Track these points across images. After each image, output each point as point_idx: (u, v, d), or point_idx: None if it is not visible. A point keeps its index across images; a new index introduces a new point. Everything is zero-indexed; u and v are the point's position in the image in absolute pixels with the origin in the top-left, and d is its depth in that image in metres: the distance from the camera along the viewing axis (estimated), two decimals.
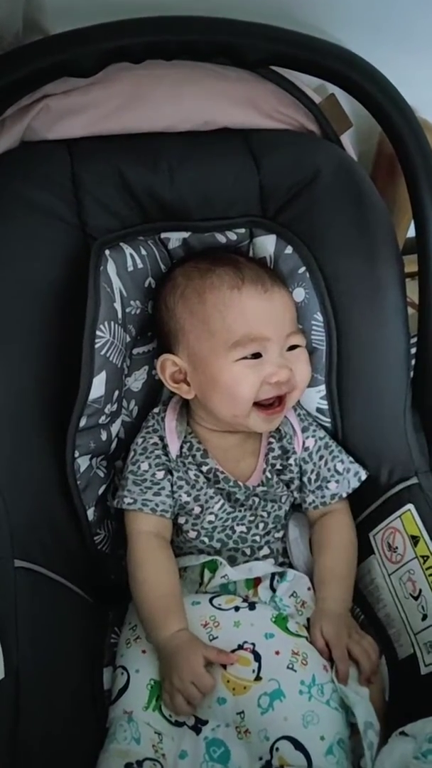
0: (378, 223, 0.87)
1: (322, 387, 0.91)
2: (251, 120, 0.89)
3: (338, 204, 0.87)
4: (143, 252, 0.87)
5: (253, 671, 0.72)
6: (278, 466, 0.88)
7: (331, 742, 0.68)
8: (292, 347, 0.84)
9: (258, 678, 0.71)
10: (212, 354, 0.80)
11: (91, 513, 0.84)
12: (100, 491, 0.86)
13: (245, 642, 0.74)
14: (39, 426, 0.80)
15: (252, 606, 0.78)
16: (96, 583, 0.87)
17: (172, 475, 0.85)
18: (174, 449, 0.85)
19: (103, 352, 0.81)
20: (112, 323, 0.83)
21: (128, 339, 0.88)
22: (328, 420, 0.92)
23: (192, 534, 0.86)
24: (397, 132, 0.78)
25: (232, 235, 0.90)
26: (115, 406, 0.86)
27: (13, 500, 0.75)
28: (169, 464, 0.85)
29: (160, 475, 0.84)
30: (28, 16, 0.80)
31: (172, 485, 0.84)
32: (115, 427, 0.88)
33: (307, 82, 0.90)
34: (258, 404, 0.81)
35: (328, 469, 0.88)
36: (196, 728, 0.72)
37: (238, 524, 0.86)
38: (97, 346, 0.80)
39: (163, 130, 0.86)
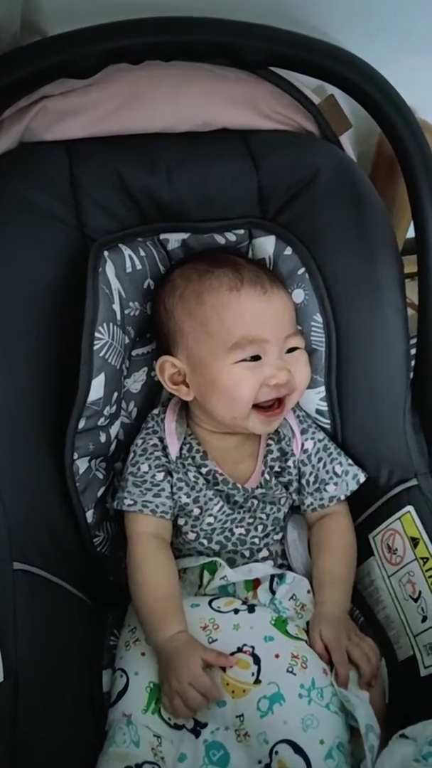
0: (377, 223, 0.87)
1: (322, 388, 0.91)
2: (250, 121, 0.89)
3: (337, 205, 0.87)
4: (142, 253, 0.87)
5: (253, 674, 0.72)
6: (277, 468, 0.88)
7: (331, 746, 0.67)
8: (292, 349, 0.83)
9: (257, 681, 0.71)
10: (211, 356, 0.80)
11: (90, 515, 0.84)
12: (99, 493, 0.86)
13: (244, 645, 0.74)
14: (38, 428, 0.80)
15: (251, 609, 0.78)
16: (95, 585, 0.87)
17: (171, 476, 0.84)
18: (174, 451, 0.85)
19: (101, 354, 0.81)
20: (111, 325, 0.82)
21: (127, 340, 0.88)
22: (328, 421, 0.92)
23: (191, 536, 0.86)
24: (396, 133, 0.78)
25: (231, 236, 0.89)
26: (114, 407, 0.86)
27: (11, 502, 0.74)
28: (168, 466, 0.85)
29: (159, 476, 0.84)
30: (26, 17, 0.80)
31: (171, 486, 0.84)
32: (114, 429, 0.88)
33: (306, 83, 0.89)
34: (257, 406, 0.81)
35: (327, 472, 0.88)
36: (196, 731, 0.72)
37: (237, 526, 0.86)
38: (95, 347, 0.80)
39: (161, 131, 0.86)
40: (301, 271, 0.89)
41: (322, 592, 0.82)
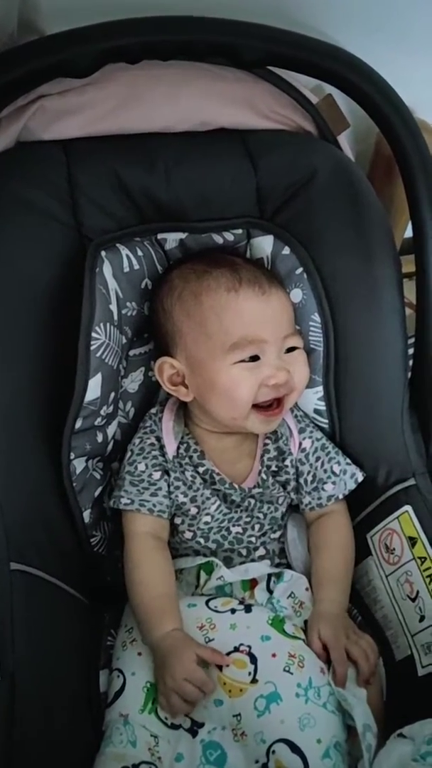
0: (375, 223, 0.87)
1: (320, 388, 0.91)
2: (248, 120, 0.89)
3: (335, 204, 0.87)
4: (139, 253, 0.87)
5: (249, 674, 0.72)
6: (274, 468, 0.88)
7: (328, 745, 0.67)
8: (290, 349, 0.83)
9: (254, 680, 0.71)
10: (210, 357, 0.80)
11: (87, 515, 0.84)
12: (97, 493, 0.86)
13: (241, 644, 0.74)
14: (35, 428, 0.79)
15: (248, 608, 0.78)
16: (92, 584, 0.87)
17: (168, 475, 0.84)
18: (171, 450, 0.85)
19: (98, 354, 0.81)
20: (108, 325, 0.82)
21: (124, 340, 0.88)
22: (326, 421, 0.92)
23: (188, 535, 0.86)
24: (394, 132, 0.77)
25: (229, 236, 0.89)
26: (111, 407, 0.86)
27: (8, 502, 0.74)
28: (165, 465, 0.85)
29: (156, 475, 0.84)
30: (24, 16, 0.80)
31: (168, 486, 0.84)
32: (112, 429, 0.88)
33: (304, 83, 0.89)
34: (256, 406, 0.81)
35: (325, 471, 0.88)
36: (193, 731, 0.72)
37: (234, 525, 0.86)
38: (92, 348, 0.80)
39: (159, 131, 0.86)
40: (299, 270, 0.89)
41: (321, 590, 0.82)
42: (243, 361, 0.80)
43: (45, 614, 0.74)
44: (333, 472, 0.88)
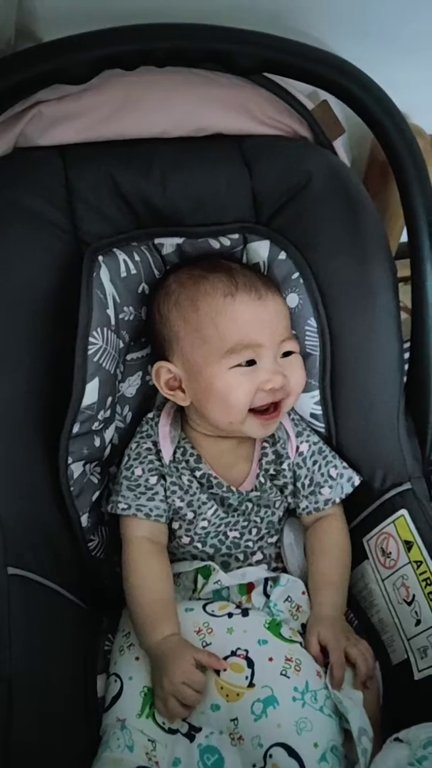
0: (370, 228, 0.88)
1: (316, 392, 0.91)
2: (244, 126, 0.89)
3: (331, 210, 0.87)
4: (137, 258, 0.87)
5: (247, 678, 0.72)
6: (271, 471, 0.88)
7: (325, 749, 0.67)
8: (287, 354, 0.84)
9: (251, 685, 0.71)
10: (206, 361, 0.80)
11: (84, 519, 0.84)
12: (94, 497, 0.86)
13: (238, 648, 0.74)
14: (32, 432, 0.80)
15: (245, 612, 0.78)
16: (90, 589, 0.87)
17: (165, 480, 0.85)
18: (167, 454, 0.85)
19: (96, 359, 0.81)
20: (105, 329, 0.83)
21: (121, 345, 0.88)
22: (322, 425, 0.92)
23: (185, 539, 0.86)
24: (388, 138, 0.78)
25: (225, 241, 0.90)
26: (109, 412, 0.86)
27: (6, 506, 0.74)
28: (162, 469, 0.85)
29: (153, 480, 0.84)
30: (21, 23, 0.80)
31: (165, 490, 0.84)
32: (109, 433, 0.88)
33: (299, 89, 0.90)
34: (253, 410, 0.81)
35: (322, 474, 0.88)
36: (190, 735, 0.72)
37: (231, 530, 0.86)
38: (89, 352, 0.80)
39: (155, 136, 0.86)
40: (295, 275, 0.89)
41: (319, 594, 0.82)
42: (239, 365, 0.80)
43: (42, 619, 0.74)
44: (330, 476, 0.88)
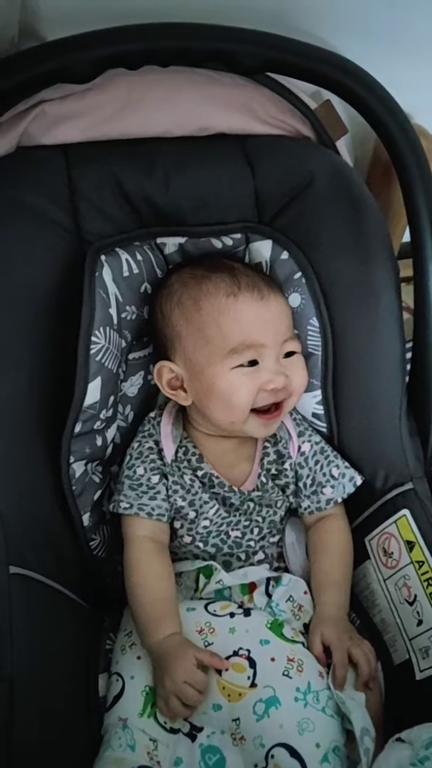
0: (373, 228, 0.87)
1: (318, 392, 0.91)
2: (247, 125, 0.89)
3: (333, 209, 0.87)
4: (139, 257, 0.87)
5: (249, 678, 0.72)
6: (273, 471, 0.88)
7: (327, 750, 0.67)
8: (289, 354, 0.84)
9: (253, 685, 0.71)
10: (208, 361, 0.80)
11: (86, 518, 0.84)
12: (96, 497, 0.86)
13: (240, 648, 0.74)
14: (34, 431, 0.80)
15: (247, 612, 0.78)
16: (92, 588, 0.87)
17: (167, 479, 0.85)
18: (169, 453, 0.85)
19: (98, 358, 0.81)
20: (108, 329, 0.83)
21: (124, 344, 0.88)
22: (324, 425, 0.92)
23: (187, 539, 0.86)
24: (391, 138, 0.78)
25: (228, 241, 0.90)
26: (111, 411, 0.86)
27: (7, 506, 0.74)
28: (164, 468, 0.85)
29: (155, 479, 0.84)
30: (24, 22, 0.80)
31: (167, 489, 0.84)
32: (111, 433, 0.88)
33: (302, 88, 0.90)
34: (255, 410, 0.81)
35: (324, 474, 0.88)
36: (192, 735, 0.72)
37: (232, 529, 0.86)
38: (92, 351, 0.80)
39: (158, 136, 0.86)
40: (298, 275, 0.89)
41: (322, 593, 0.82)
42: (241, 365, 0.80)
43: (44, 618, 0.74)
44: (332, 476, 0.88)
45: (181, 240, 0.89)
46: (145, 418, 0.90)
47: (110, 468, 0.91)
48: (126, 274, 0.86)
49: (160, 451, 0.86)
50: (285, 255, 0.90)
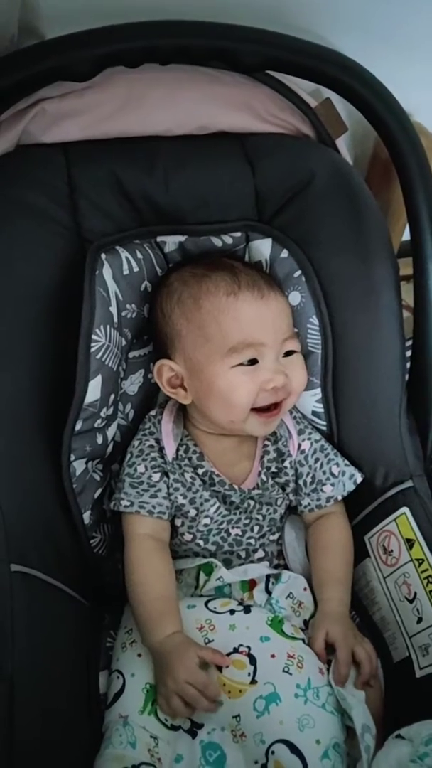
0: (373, 226, 0.87)
1: (318, 390, 0.91)
2: (247, 124, 0.89)
3: (333, 208, 0.87)
4: (139, 256, 0.87)
5: (249, 674, 0.72)
6: (273, 469, 0.88)
7: (327, 746, 0.68)
8: (289, 353, 0.84)
9: (253, 681, 0.72)
10: (208, 360, 0.80)
11: (87, 516, 0.84)
12: (96, 495, 0.86)
13: (240, 645, 0.74)
14: (35, 430, 0.80)
15: (247, 609, 0.78)
16: (92, 586, 0.87)
17: (168, 477, 0.85)
18: (170, 452, 0.85)
19: (98, 356, 0.81)
20: (108, 327, 0.83)
21: (124, 342, 0.88)
22: (324, 423, 0.92)
23: (187, 536, 0.86)
24: (391, 136, 0.78)
25: (228, 239, 0.90)
26: (111, 409, 0.86)
27: (8, 504, 0.74)
28: (165, 467, 0.85)
29: (156, 477, 0.84)
30: (24, 20, 0.80)
31: (168, 487, 0.84)
32: (111, 431, 0.88)
33: (302, 86, 0.90)
34: (255, 408, 0.81)
35: (324, 472, 0.88)
36: (192, 732, 0.72)
37: (233, 527, 0.86)
38: (92, 350, 0.80)
39: (158, 134, 0.86)
40: (298, 273, 0.89)
41: (325, 590, 0.82)
42: (241, 364, 0.80)
43: (45, 616, 0.74)
44: (332, 474, 0.88)
45: (181, 238, 0.89)
46: (145, 417, 0.90)
47: (111, 466, 0.91)
48: (126, 272, 0.86)
49: (161, 449, 0.86)
50: (285, 253, 0.90)
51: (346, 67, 0.77)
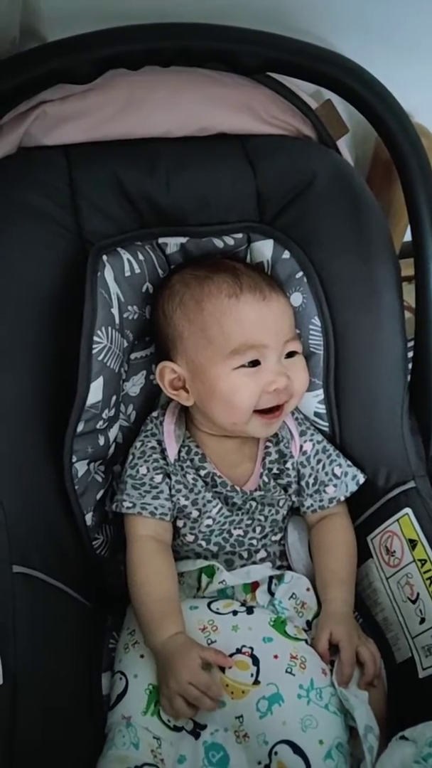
0: (374, 227, 0.88)
1: (320, 391, 0.91)
2: (248, 125, 0.89)
3: (335, 209, 0.88)
4: (141, 257, 0.87)
5: (252, 675, 0.72)
6: (275, 471, 0.88)
7: (330, 746, 0.68)
8: (290, 354, 0.84)
9: (256, 682, 0.72)
10: (210, 362, 0.80)
11: (89, 518, 0.85)
12: (98, 496, 0.86)
13: (243, 646, 0.74)
14: (37, 431, 0.80)
15: (250, 610, 0.78)
16: (95, 587, 0.87)
17: (170, 478, 0.85)
18: (172, 453, 0.85)
19: (100, 358, 0.81)
20: (110, 328, 0.83)
21: (126, 344, 0.88)
22: (326, 424, 0.92)
23: (190, 537, 0.86)
24: (392, 137, 0.78)
25: (229, 240, 0.90)
26: (113, 411, 0.86)
27: (11, 505, 0.75)
28: (167, 468, 0.85)
29: (158, 478, 0.84)
30: (26, 23, 0.80)
31: (170, 489, 0.85)
32: (113, 432, 0.88)
33: (303, 88, 0.90)
34: (257, 410, 0.81)
35: (326, 473, 0.88)
36: (195, 733, 0.72)
37: (235, 528, 0.86)
38: (94, 351, 0.80)
39: (160, 136, 0.86)
40: (299, 274, 0.89)
41: (330, 590, 0.82)
42: (243, 366, 0.80)
43: (47, 617, 0.74)
44: (334, 475, 0.88)
45: (183, 240, 0.89)
46: (147, 418, 0.90)
47: (113, 467, 0.91)
48: (128, 273, 0.86)
49: (162, 451, 0.86)
50: (286, 254, 0.90)
51: (347, 68, 0.77)
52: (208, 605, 0.79)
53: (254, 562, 0.86)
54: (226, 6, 0.81)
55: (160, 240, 0.89)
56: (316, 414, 0.92)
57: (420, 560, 0.80)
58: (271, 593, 0.82)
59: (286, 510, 0.90)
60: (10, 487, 0.75)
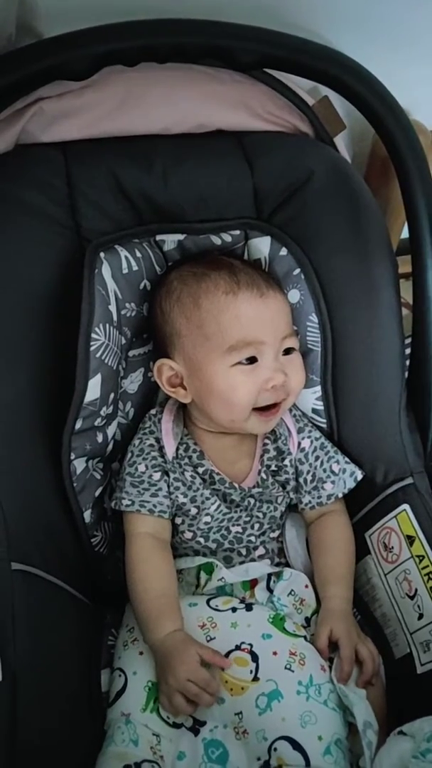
0: (372, 224, 0.88)
1: (318, 388, 0.91)
2: (245, 122, 0.89)
3: (332, 205, 0.88)
4: (138, 254, 0.87)
5: (251, 672, 0.72)
6: (273, 467, 0.88)
7: (329, 742, 0.68)
8: (288, 351, 0.84)
9: (256, 678, 0.72)
10: (208, 359, 0.80)
11: (87, 515, 0.85)
12: (97, 493, 0.86)
13: (242, 642, 0.74)
14: (35, 428, 0.80)
15: (249, 607, 0.78)
16: (93, 584, 0.87)
17: (168, 476, 0.85)
18: (170, 451, 0.85)
19: (98, 355, 0.81)
20: (108, 326, 0.83)
21: (123, 341, 0.88)
22: (324, 421, 0.92)
23: (188, 534, 0.86)
24: (389, 134, 0.78)
25: (227, 237, 0.90)
26: (111, 408, 0.86)
27: (9, 503, 0.75)
28: (165, 465, 0.85)
29: (156, 476, 0.84)
30: (22, 19, 0.80)
31: (168, 486, 0.85)
32: (111, 429, 0.88)
33: (300, 84, 0.90)
34: (255, 408, 0.81)
35: (324, 470, 0.88)
36: (194, 729, 0.72)
37: (233, 525, 0.86)
38: (92, 348, 0.80)
39: (157, 133, 0.86)
40: (297, 271, 0.89)
41: (329, 587, 0.83)
42: (240, 363, 0.80)
43: (46, 614, 0.74)
44: (332, 471, 0.88)
45: (180, 237, 0.89)
46: (145, 415, 0.90)
47: (111, 465, 0.91)
48: (125, 271, 0.86)
49: (161, 448, 0.86)
50: (284, 251, 0.90)
51: (344, 65, 0.77)
52: (207, 602, 0.79)
53: (253, 559, 0.86)
54: (223, 2, 0.81)
55: (158, 237, 0.89)
56: (314, 411, 0.92)
57: (418, 556, 0.80)
58: (270, 590, 0.82)
59: (284, 507, 0.90)
60: (9, 484, 0.75)
